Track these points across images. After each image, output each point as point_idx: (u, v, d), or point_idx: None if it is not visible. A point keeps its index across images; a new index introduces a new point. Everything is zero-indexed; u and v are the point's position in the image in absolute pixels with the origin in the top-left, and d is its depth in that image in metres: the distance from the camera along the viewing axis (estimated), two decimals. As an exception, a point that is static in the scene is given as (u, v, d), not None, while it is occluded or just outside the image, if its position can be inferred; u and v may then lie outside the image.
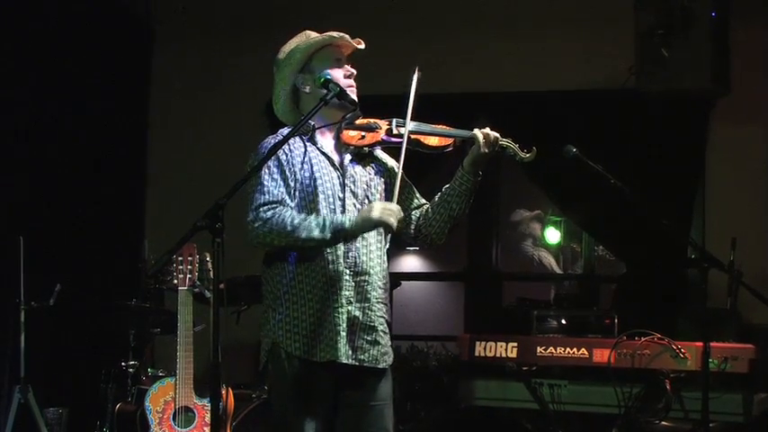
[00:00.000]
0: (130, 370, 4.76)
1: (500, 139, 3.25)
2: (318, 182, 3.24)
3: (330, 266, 3.20)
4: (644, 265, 5.67)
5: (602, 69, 5.68)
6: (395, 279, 4.11)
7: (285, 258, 3.24)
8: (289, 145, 3.25)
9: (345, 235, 3.14)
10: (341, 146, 3.33)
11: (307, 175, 3.24)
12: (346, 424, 3.26)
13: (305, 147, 3.28)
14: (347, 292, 3.22)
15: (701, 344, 3.94)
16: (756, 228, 5.48)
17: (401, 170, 3.23)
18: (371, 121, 3.33)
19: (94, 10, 5.98)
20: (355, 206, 3.26)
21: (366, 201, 3.29)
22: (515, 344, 4.72)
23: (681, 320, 4.86)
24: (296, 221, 3.12)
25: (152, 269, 4.92)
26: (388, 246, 3.35)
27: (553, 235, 7.63)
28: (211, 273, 4.33)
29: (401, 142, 3.23)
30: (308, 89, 3.33)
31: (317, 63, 3.32)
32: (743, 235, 4.98)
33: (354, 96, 3.31)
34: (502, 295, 6.38)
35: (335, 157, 3.32)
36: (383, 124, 3.32)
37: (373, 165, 3.38)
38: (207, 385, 3.17)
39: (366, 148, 3.34)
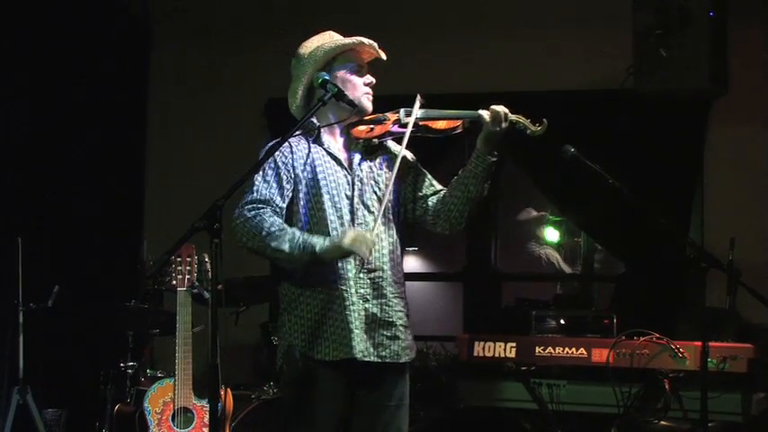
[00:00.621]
0: (129, 371, 4.77)
1: (509, 114, 3.22)
2: (322, 182, 3.23)
3: (340, 265, 3.20)
4: (643, 265, 5.66)
5: (601, 69, 5.68)
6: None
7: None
8: (291, 146, 3.24)
9: (314, 258, 3.10)
10: (350, 143, 3.34)
11: (310, 176, 3.23)
12: (362, 424, 3.25)
13: (309, 148, 3.28)
14: (362, 290, 3.22)
15: (699, 343, 3.95)
16: (755, 227, 5.48)
17: (400, 156, 3.23)
18: (380, 114, 3.34)
19: (93, 10, 5.98)
20: (363, 204, 3.26)
21: (374, 197, 3.28)
22: (514, 344, 4.72)
23: (680, 320, 4.86)
24: (272, 228, 3.11)
25: (151, 270, 4.92)
26: (398, 239, 3.32)
27: (552, 234, 7.63)
28: (210, 273, 4.33)
29: (409, 131, 3.24)
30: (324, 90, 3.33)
31: (339, 65, 3.32)
32: (741, 235, 4.98)
33: (369, 104, 3.32)
34: (501, 295, 6.37)
35: (343, 156, 3.31)
36: (391, 116, 3.33)
37: (382, 158, 3.37)
38: (206, 386, 3.18)
39: (376, 140, 3.33)
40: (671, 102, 5.42)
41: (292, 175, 3.23)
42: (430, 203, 3.37)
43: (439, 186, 3.41)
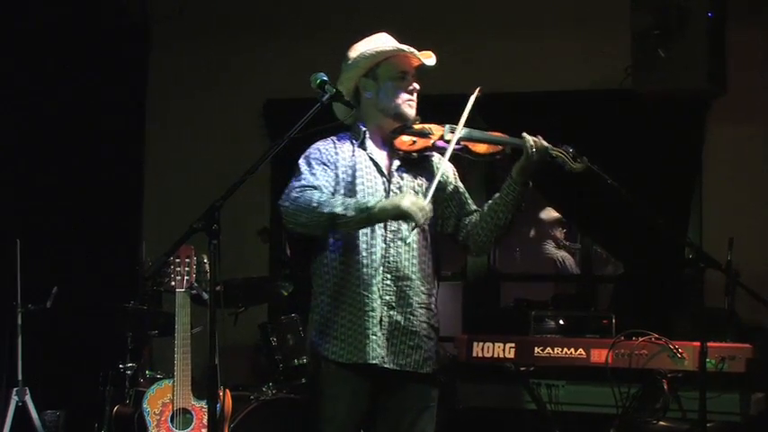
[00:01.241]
0: (128, 372, 4.77)
1: (550, 148, 3.25)
2: (359, 187, 3.25)
3: (365, 270, 3.22)
4: (641, 266, 5.66)
5: (600, 69, 5.67)
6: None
7: (324, 262, 3.27)
8: (335, 147, 3.29)
9: (369, 215, 3.10)
10: (392, 151, 3.34)
11: (349, 179, 3.26)
12: (385, 425, 3.28)
13: (353, 151, 3.30)
14: (387, 297, 3.23)
15: (698, 344, 3.94)
16: (753, 227, 5.47)
17: (440, 173, 3.24)
18: (426, 126, 3.34)
19: (91, 10, 5.99)
20: None
21: None
22: (513, 344, 4.72)
23: (678, 320, 4.86)
24: (322, 198, 3.12)
25: (149, 271, 4.92)
26: (432, 250, 3.34)
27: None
28: (209, 274, 4.32)
29: (451, 148, 3.25)
30: (369, 94, 3.34)
31: (383, 71, 3.33)
32: (740, 235, 4.98)
33: (411, 111, 3.32)
34: (500, 296, 6.38)
35: (384, 163, 3.32)
36: (436, 131, 3.33)
37: (425, 171, 3.37)
38: (205, 387, 3.18)
39: (415, 154, 3.33)
40: (669, 102, 5.41)
41: (333, 174, 3.26)
42: (462, 224, 3.39)
43: (474, 207, 3.42)
